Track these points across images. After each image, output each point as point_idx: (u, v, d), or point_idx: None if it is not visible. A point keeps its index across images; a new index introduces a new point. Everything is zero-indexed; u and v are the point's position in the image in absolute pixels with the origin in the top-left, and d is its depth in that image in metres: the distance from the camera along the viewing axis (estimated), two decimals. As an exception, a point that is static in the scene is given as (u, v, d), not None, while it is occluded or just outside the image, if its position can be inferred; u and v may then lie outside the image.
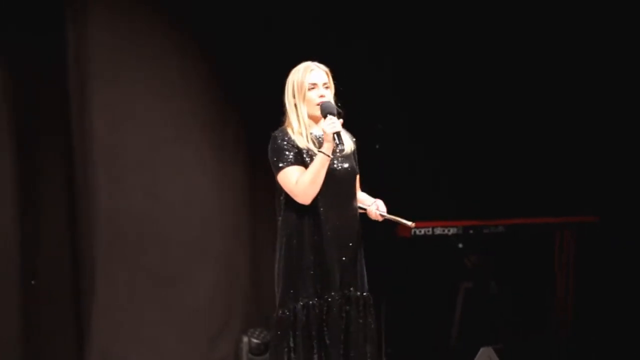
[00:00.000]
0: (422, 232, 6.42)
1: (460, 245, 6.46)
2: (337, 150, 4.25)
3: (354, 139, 4.46)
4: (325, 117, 4.21)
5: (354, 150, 4.42)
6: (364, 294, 4.34)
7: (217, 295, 6.38)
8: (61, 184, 6.15)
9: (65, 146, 6.12)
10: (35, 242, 6.08)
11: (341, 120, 4.21)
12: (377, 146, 6.65)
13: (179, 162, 6.27)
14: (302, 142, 4.28)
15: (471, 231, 6.45)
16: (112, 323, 6.09)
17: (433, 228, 6.43)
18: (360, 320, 4.29)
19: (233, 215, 6.44)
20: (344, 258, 4.28)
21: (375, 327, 4.37)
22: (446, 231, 6.44)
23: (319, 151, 4.19)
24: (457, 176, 6.72)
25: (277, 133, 4.34)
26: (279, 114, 6.30)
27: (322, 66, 4.36)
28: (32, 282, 6.07)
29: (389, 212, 4.43)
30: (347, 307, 4.27)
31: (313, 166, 4.20)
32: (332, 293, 4.25)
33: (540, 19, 6.63)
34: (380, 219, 4.38)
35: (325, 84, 4.33)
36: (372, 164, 6.44)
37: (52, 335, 6.11)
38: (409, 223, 4.35)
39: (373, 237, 6.42)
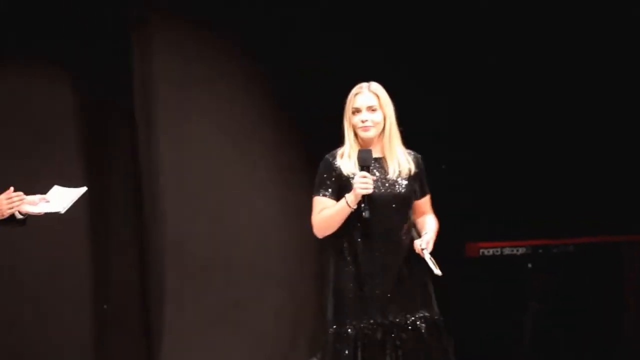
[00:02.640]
0: (491, 252, 6.36)
1: (530, 265, 6.39)
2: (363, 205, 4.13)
3: (420, 156, 4.37)
4: (361, 168, 4.17)
5: (416, 172, 4.31)
6: (418, 319, 4.23)
7: (283, 318, 6.37)
8: (129, 208, 6.22)
9: (133, 170, 6.20)
10: (106, 266, 6.15)
11: (374, 177, 4.15)
12: (443, 166, 6.62)
13: (244, 186, 6.30)
14: (346, 168, 4.25)
15: (540, 251, 6.38)
16: (180, 347, 6.12)
17: (502, 248, 6.37)
18: (419, 345, 4.20)
19: (298, 238, 6.44)
20: (386, 286, 4.20)
21: (444, 350, 4.27)
22: (515, 251, 6.37)
23: (345, 195, 4.15)
24: (526, 195, 6.64)
25: (328, 155, 4.33)
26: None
27: (373, 87, 4.29)
28: (105, 306, 6.14)
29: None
30: (393, 335, 4.19)
31: (331, 210, 4.19)
32: (371, 321, 4.19)
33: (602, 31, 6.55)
34: (422, 255, 4.23)
35: (370, 107, 4.26)
36: (438, 184, 6.47)
37: (123, 359, 6.17)
38: (437, 272, 4.20)
39: (439, 258, 6.44)
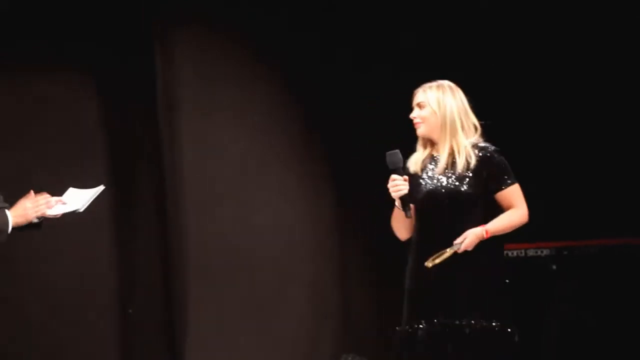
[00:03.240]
0: (515, 253, 6.33)
1: (554, 267, 6.35)
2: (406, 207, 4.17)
3: (491, 150, 4.27)
4: (392, 171, 4.20)
5: (476, 167, 4.21)
6: (475, 323, 4.15)
7: (308, 321, 6.38)
8: (153, 211, 6.25)
9: (157, 174, 6.22)
10: (130, 270, 6.18)
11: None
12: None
13: (266, 191, 6.31)
14: (413, 166, 4.30)
15: (565, 252, 6.34)
16: (204, 351, 6.14)
17: (526, 250, 6.34)
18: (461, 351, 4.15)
19: (321, 242, 6.45)
20: (440, 285, 4.16)
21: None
22: (539, 253, 6.34)
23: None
24: (551, 196, 6.61)
25: None
26: (365, 142, 6.35)
27: (429, 85, 4.31)
28: (130, 310, 6.16)
29: None
30: (443, 338, 4.15)
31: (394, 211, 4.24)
32: (422, 321, 4.18)
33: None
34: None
35: (419, 104, 4.29)
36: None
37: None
38: (427, 263, 4.16)
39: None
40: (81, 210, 4.40)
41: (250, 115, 6.32)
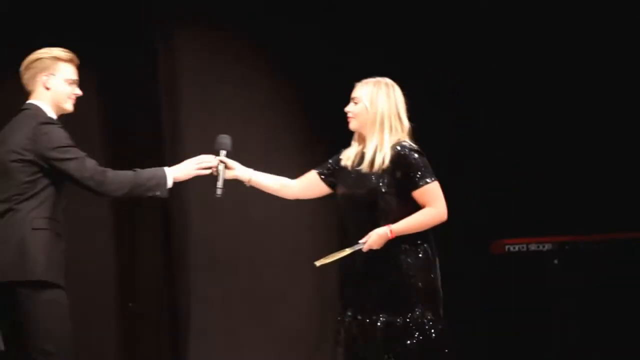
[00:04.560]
0: (517, 248, 6.33)
1: (556, 262, 6.35)
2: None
3: (408, 149, 4.24)
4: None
5: (390, 167, 4.22)
6: (381, 321, 4.19)
7: (311, 315, 6.38)
8: (155, 207, 6.24)
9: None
10: (131, 265, 6.18)
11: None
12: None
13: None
14: (345, 160, 4.40)
15: (567, 247, 6.34)
16: (207, 347, 6.14)
17: (527, 244, 6.34)
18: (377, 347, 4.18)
19: (324, 235, 6.45)
20: (361, 285, 4.24)
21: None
22: (541, 247, 6.33)
23: None
24: (553, 191, 6.61)
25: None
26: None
27: (366, 80, 4.36)
28: (130, 304, 6.16)
29: None
30: (362, 334, 4.21)
31: None
32: (349, 313, 4.26)
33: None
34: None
35: (353, 98, 4.38)
36: (463, 180, 6.45)
37: (149, 357, 6.19)
38: (316, 263, 4.27)
39: (465, 255, 6.43)
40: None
41: (251, 111, 6.32)
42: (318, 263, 4.24)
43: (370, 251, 4.17)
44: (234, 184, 6.26)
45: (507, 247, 6.32)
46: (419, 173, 4.20)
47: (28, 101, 4.29)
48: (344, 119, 6.37)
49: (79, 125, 6.11)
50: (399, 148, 4.23)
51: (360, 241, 4.19)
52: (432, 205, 4.19)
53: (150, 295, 6.21)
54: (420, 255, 4.22)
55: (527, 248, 6.33)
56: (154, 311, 6.20)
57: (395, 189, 4.21)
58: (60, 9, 6.04)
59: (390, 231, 4.16)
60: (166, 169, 4.34)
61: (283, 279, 6.30)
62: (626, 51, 6.47)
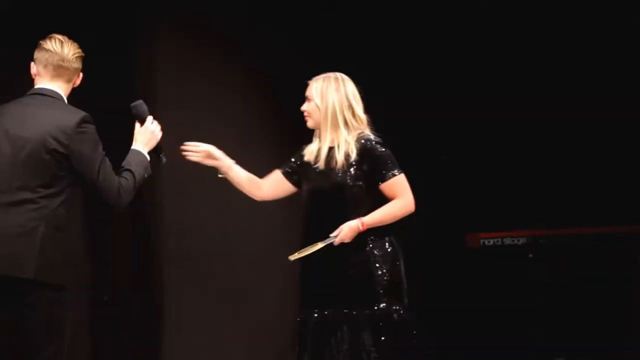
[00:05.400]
0: (492, 242, 6.35)
1: (531, 256, 6.37)
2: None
3: (372, 142, 4.26)
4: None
5: (357, 160, 4.24)
6: (356, 312, 4.19)
7: (286, 309, 6.37)
8: (130, 200, 6.21)
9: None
10: (104, 258, 6.15)
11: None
12: (443, 157, 6.61)
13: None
14: (307, 156, 4.44)
15: (541, 241, 6.36)
16: (182, 339, 6.13)
17: (502, 238, 6.36)
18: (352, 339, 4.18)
19: (299, 228, 6.44)
20: (326, 279, 4.22)
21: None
22: (516, 241, 6.36)
23: None
24: (527, 185, 6.63)
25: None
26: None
27: (315, 78, 4.43)
28: (105, 298, 6.14)
29: None
30: (331, 327, 4.21)
31: None
32: (316, 310, 4.25)
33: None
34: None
35: (307, 96, 4.44)
36: (439, 174, 6.46)
37: (123, 351, 6.17)
38: (291, 257, 4.29)
39: (440, 248, 6.44)
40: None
41: (229, 102, 6.31)
42: (292, 257, 4.24)
43: (340, 245, 4.16)
44: (209, 177, 6.26)
45: (482, 241, 6.34)
46: (386, 166, 4.22)
47: (50, 87, 4.08)
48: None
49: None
50: (363, 141, 4.25)
51: (331, 235, 4.19)
52: (401, 196, 4.22)
53: (124, 288, 6.18)
54: (386, 246, 4.24)
55: (502, 242, 6.35)
56: (127, 302, 6.17)
57: (362, 182, 4.23)
58: (38, 8, 6.00)
59: (362, 224, 4.17)
60: (140, 149, 4.28)
61: (258, 273, 6.29)
62: (607, 50, 6.51)
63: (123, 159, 5.98)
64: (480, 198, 6.56)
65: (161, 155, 4.32)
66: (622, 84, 6.51)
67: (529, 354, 6.35)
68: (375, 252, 4.22)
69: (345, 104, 4.28)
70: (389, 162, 4.23)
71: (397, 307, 4.22)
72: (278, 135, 6.36)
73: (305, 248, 4.24)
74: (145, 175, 4.23)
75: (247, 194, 4.57)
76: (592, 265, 6.49)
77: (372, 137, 4.28)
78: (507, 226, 6.43)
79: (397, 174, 4.23)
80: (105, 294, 6.11)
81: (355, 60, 6.04)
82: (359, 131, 4.28)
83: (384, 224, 4.22)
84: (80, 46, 5.72)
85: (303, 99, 6.28)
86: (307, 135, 6.29)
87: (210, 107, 6.27)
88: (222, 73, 6.31)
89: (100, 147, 4.05)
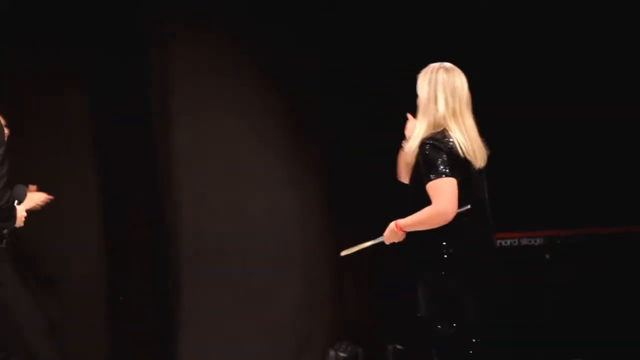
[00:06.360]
0: (508, 242, 6.33)
1: (547, 256, 6.36)
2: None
3: (422, 144, 4.09)
4: None
5: (416, 161, 4.11)
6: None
7: (301, 309, 6.39)
8: (147, 201, 6.26)
9: (150, 164, 6.23)
10: (123, 259, 6.19)
11: None
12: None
13: (260, 179, 6.32)
14: None
15: (558, 241, 6.34)
16: (197, 339, 6.15)
17: (519, 239, 6.34)
18: None
19: (315, 229, 6.46)
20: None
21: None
22: (532, 242, 6.34)
23: None
24: (544, 185, 6.62)
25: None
26: (356, 129, 6.38)
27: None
28: (121, 298, 6.17)
29: None
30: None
31: None
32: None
33: None
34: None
35: None
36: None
37: (140, 351, 6.21)
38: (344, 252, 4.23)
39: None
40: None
41: (245, 105, 6.33)
42: (343, 253, 4.19)
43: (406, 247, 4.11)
44: (226, 179, 6.31)
45: (498, 241, 6.32)
46: (427, 169, 4.05)
47: None
48: (333, 117, 6.47)
49: (69, 119, 6.22)
50: (422, 142, 4.09)
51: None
52: (434, 202, 4.02)
53: (141, 286, 6.22)
54: (435, 252, 4.10)
55: (519, 242, 6.33)
56: (144, 303, 6.20)
57: (420, 182, 4.08)
58: (49, 11, 6.05)
59: (396, 225, 4.09)
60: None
61: (273, 272, 6.31)
62: (616, 52, 6.49)
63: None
64: (497, 198, 6.54)
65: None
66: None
67: (545, 355, 6.33)
68: (424, 261, 4.15)
69: (432, 95, 4.20)
70: (428, 165, 4.05)
71: (435, 320, 4.16)
72: (295, 129, 6.40)
73: (357, 245, 4.17)
74: (12, 201, 4.59)
75: None
76: (609, 266, 6.47)
77: (428, 138, 4.11)
78: (523, 226, 6.42)
79: (432, 178, 4.03)
80: (122, 295, 6.16)
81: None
82: (439, 127, 4.16)
83: (417, 228, 4.06)
84: (91, 47, 5.79)
85: (320, 92, 6.36)
86: (323, 134, 6.36)
87: (226, 107, 6.29)
88: (237, 71, 6.33)
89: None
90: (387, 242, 4.13)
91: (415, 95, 4.24)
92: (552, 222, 6.44)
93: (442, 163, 4.04)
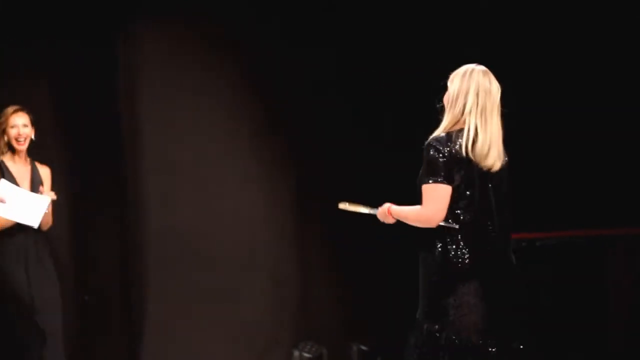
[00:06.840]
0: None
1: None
2: None
3: (425, 144, 4.09)
4: None
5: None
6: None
7: (267, 309, 6.39)
8: (112, 200, 6.22)
9: (117, 163, 6.20)
10: (86, 257, 6.15)
11: None
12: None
13: (227, 178, 6.32)
14: None
15: (524, 244, 6.37)
16: (163, 339, 6.13)
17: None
18: None
19: (282, 229, 6.46)
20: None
21: None
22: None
23: None
24: (528, 185, 6.63)
25: None
26: (326, 128, 6.37)
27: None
28: (86, 297, 6.13)
29: None
30: None
31: None
32: None
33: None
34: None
35: None
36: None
37: (104, 351, 6.17)
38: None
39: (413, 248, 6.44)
40: (36, 226, 4.98)
41: (213, 104, 6.31)
42: (341, 205, 4.17)
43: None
44: (194, 178, 6.28)
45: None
46: (426, 170, 4.07)
47: None
48: (305, 107, 6.46)
49: (38, 114, 6.16)
50: (430, 140, 4.10)
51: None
52: (423, 205, 4.05)
53: (106, 286, 6.18)
54: (438, 253, 4.11)
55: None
56: (109, 303, 6.17)
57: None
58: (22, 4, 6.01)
59: (389, 209, 4.13)
60: None
61: (239, 272, 6.30)
62: (611, 53, 6.53)
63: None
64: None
65: None
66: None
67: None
68: (428, 262, 4.14)
69: (455, 94, 4.15)
70: (425, 166, 4.07)
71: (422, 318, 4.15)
72: (264, 129, 6.39)
73: (357, 205, 4.16)
74: None
75: None
76: (575, 269, 6.51)
77: (431, 138, 4.12)
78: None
79: (427, 181, 4.04)
80: (86, 294, 6.12)
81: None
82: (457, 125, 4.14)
83: (403, 221, 4.11)
84: (68, 42, 5.75)
85: (292, 88, 6.33)
86: (290, 125, 6.34)
87: (195, 103, 6.27)
88: (206, 66, 6.32)
89: None
90: (380, 219, 4.15)
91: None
92: (518, 225, 6.45)
93: (441, 168, 4.05)
